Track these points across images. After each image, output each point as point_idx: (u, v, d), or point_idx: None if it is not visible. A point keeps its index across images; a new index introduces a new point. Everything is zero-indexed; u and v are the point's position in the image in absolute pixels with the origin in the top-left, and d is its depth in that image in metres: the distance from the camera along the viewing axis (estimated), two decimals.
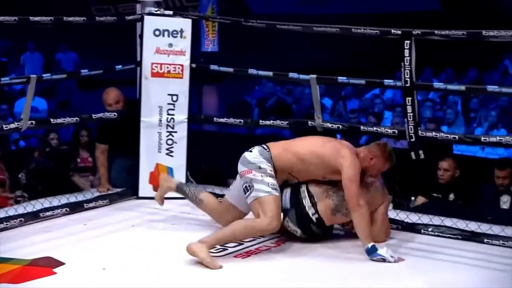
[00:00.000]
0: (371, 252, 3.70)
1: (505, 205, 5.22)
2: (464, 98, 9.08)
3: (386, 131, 4.45)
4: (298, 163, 3.92)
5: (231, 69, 4.95)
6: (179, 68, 4.94)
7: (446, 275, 3.56)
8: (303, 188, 3.95)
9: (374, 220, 3.89)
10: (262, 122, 4.95)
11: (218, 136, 7.45)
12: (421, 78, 9.68)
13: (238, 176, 3.99)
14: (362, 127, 4.64)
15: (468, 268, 3.68)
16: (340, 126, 4.62)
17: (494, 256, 3.81)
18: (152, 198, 4.46)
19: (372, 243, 3.72)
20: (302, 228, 3.95)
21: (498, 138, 4.11)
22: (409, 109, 4.22)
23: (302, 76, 4.59)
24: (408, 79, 4.15)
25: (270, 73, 4.77)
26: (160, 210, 4.51)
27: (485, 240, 4.00)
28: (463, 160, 5.59)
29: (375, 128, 4.58)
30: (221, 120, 5.09)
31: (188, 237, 3.86)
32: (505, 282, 3.46)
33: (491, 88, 4.09)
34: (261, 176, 3.83)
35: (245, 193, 3.86)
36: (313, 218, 3.93)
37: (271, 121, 4.85)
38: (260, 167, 3.86)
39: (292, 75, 4.63)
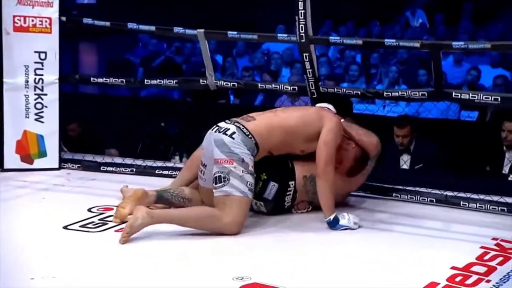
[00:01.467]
0: (334, 225, 3.71)
1: (405, 165, 5.36)
2: (364, 53, 9.24)
3: (286, 88, 4.47)
4: (286, 138, 3.80)
5: (107, 23, 4.78)
6: (46, 21, 4.72)
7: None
8: (291, 188, 3.90)
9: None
10: (147, 82, 4.83)
11: (97, 99, 7.25)
12: (321, 32, 9.80)
13: (205, 160, 3.79)
14: (260, 85, 4.63)
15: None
16: (236, 84, 4.58)
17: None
18: (21, 170, 4.28)
19: (334, 215, 3.72)
20: (270, 213, 3.94)
21: (400, 92, 4.21)
22: (307, 65, 4.26)
23: (189, 31, 4.51)
24: (303, 34, 4.16)
25: (153, 28, 4.65)
26: (30, 183, 4.34)
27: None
28: (362, 120, 5.68)
29: (273, 85, 4.57)
30: (100, 80, 4.93)
31: (61, 210, 3.73)
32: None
33: (389, 41, 4.13)
34: (242, 172, 3.65)
35: (216, 183, 3.65)
36: (286, 206, 3.93)
37: (158, 81, 4.74)
38: (243, 161, 3.67)
39: (178, 29, 4.53)
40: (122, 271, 3.20)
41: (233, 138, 3.70)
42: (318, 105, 4.12)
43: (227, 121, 3.83)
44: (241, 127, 3.75)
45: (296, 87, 4.44)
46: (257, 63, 9.32)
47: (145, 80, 4.86)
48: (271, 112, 3.94)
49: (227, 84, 4.56)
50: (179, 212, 3.70)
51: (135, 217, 3.52)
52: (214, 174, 3.67)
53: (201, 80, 4.58)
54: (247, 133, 3.74)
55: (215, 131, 3.77)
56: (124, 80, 4.84)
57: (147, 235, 3.56)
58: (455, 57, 8.72)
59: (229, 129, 3.74)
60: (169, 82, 4.71)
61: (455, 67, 8.62)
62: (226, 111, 6.68)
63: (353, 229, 3.72)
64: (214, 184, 3.67)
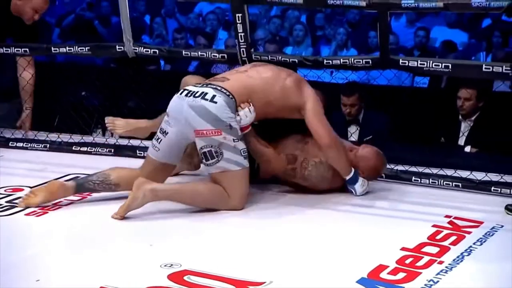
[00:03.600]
0: (354, 181, 3.84)
1: (353, 137, 5.40)
2: (310, 13, 9.23)
3: (214, 55, 4.41)
4: (264, 107, 3.72)
5: None
6: None
7: None
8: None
9: None
10: (55, 50, 4.70)
11: None
12: None
13: (169, 128, 3.68)
14: (184, 52, 4.54)
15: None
16: (157, 51, 4.49)
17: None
18: None
19: (352, 171, 3.82)
20: None
21: (342, 60, 4.17)
22: (239, 28, 4.20)
23: None
24: None
25: None
26: None
27: None
28: None
29: (200, 53, 4.48)
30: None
31: None
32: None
33: (332, 0, 4.08)
34: (233, 140, 3.58)
35: (207, 159, 3.59)
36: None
37: (68, 48, 4.62)
38: (231, 127, 3.58)
39: None
40: (30, 258, 3.16)
41: (216, 102, 3.59)
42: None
43: (198, 84, 3.73)
44: (219, 87, 3.65)
45: (226, 54, 4.39)
46: (190, 25, 9.23)
47: (52, 48, 4.70)
48: (240, 73, 3.82)
49: (147, 51, 4.46)
50: (186, 189, 3.65)
51: (134, 197, 3.48)
52: (201, 149, 3.60)
53: (117, 47, 4.49)
54: (227, 93, 3.64)
55: (188, 96, 3.64)
56: (27, 49, 4.70)
57: (66, 216, 3.51)
58: (408, 17, 8.79)
59: (206, 92, 3.61)
60: (80, 49, 4.59)
61: (408, 28, 8.69)
62: (156, 79, 6.62)
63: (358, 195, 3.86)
64: (204, 161, 3.63)
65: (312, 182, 3.91)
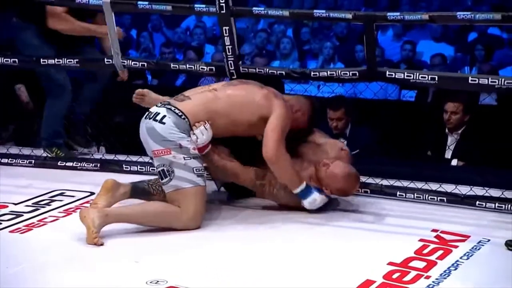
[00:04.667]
0: (306, 193, 3.80)
1: None
2: (296, 27, 9.25)
3: (202, 68, 4.42)
4: (227, 126, 3.75)
5: None
6: None
7: None
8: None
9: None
10: (44, 61, 4.67)
11: None
12: (249, 4, 9.77)
13: (148, 153, 3.74)
14: (172, 65, 4.55)
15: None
16: (145, 64, 4.49)
17: None
18: None
19: (303, 183, 3.79)
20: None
21: (329, 72, 4.19)
22: (227, 40, 4.22)
23: (93, 1, 4.39)
24: (224, 4, 4.12)
25: None
26: None
27: None
28: None
29: (188, 66, 4.49)
30: None
31: None
32: None
33: (318, 12, 4.09)
34: (184, 158, 3.61)
35: (162, 178, 3.63)
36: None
37: (56, 60, 4.61)
38: (181, 146, 3.62)
39: None
40: (13, 276, 3.14)
41: (164, 123, 3.64)
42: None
43: (158, 104, 3.77)
44: (172, 108, 3.69)
45: (214, 67, 4.39)
46: (177, 40, 9.23)
47: (41, 60, 4.68)
48: (208, 91, 3.84)
49: (136, 64, 4.46)
50: (137, 210, 3.63)
51: (90, 218, 3.46)
52: (157, 168, 3.65)
53: (105, 60, 4.48)
54: (179, 113, 3.68)
55: (146, 117, 3.71)
56: (16, 59, 4.70)
57: (50, 232, 3.51)
58: (395, 31, 8.82)
59: (159, 113, 3.68)
60: (69, 61, 4.59)
61: (394, 42, 8.71)
62: None
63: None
64: (160, 180, 3.65)
65: (283, 200, 3.90)
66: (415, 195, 4.08)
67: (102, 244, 3.44)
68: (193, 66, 4.47)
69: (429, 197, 4.05)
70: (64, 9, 4.60)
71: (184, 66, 4.49)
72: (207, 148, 3.77)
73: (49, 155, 4.76)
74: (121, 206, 3.71)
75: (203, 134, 3.69)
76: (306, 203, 3.83)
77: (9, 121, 6.02)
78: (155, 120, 3.66)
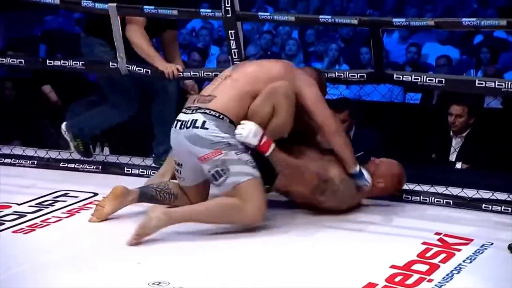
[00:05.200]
0: (359, 176, 3.81)
1: None
2: (301, 29, 9.25)
3: (207, 74, 4.40)
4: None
5: None
6: None
7: None
8: None
9: None
10: (50, 62, 4.70)
11: None
12: (255, 7, 9.79)
13: (180, 159, 3.72)
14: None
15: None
16: (149, 71, 4.44)
17: None
18: None
19: (358, 167, 3.80)
20: None
21: (337, 73, 4.19)
22: (232, 44, 4.21)
23: (99, 5, 4.41)
24: (229, 8, 4.11)
25: (57, 0, 4.51)
26: None
27: None
28: None
29: (192, 73, 4.46)
30: None
31: None
32: None
33: (324, 18, 4.09)
34: (236, 154, 3.57)
35: (216, 180, 3.58)
36: None
37: (62, 62, 4.62)
38: (229, 144, 3.57)
39: (86, 3, 4.43)
40: (15, 276, 3.14)
41: (207, 128, 3.59)
42: None
43: (185, 111, 3.71)
44: (207, 111, 3.64)
45: (219, 73, 4.37)
46: (182, 41, 9.22)
47: (47, 61, 4.71)
48: (224, 80, 3.76)
49: (140, 70, 4.45)
50: (200, 208, 3.61)
51: (149, 217, 3.45)
52: (209, 172, 3.60)
53: (111, 64, 4.48)
54: (217, 114, 3.63)
55: (181, 127, 3.65)
56: (23, 60, 4.71)
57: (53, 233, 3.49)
58: (401, 34, 8.81)
59: (196, 119, 3.62)
60: (74, 63, 4.60)
61: (400, 44, 8.71)
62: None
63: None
64: (214, 182, 3.61)
65: (339, 199, 3.84)
66: (421, 197, 4.07)
67: (136, 244, 3.42)
68: (197, 73, 4.45)
69: (435, 200, 4.05)
70: (144, 22, 4.49)
71: (189, 73, 4.46)
72: (270, 146, 3.69)
73: (69, 142, 4.68)
74: (183, 207, 3.66)
75: (250, 131, 3.62)
76: (361, 183, 3.83)
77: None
78: (195, 127, 3.60)
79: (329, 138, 3.79)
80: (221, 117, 3.63)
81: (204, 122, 3.60)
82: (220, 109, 3.64)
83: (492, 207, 3.92)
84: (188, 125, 3.63)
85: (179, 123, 3.68)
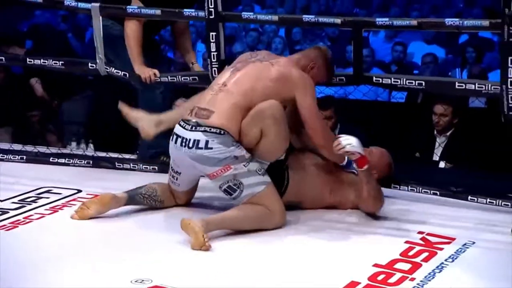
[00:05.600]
0: (348, 166, 3.90)
1: None
2: (288, 27, 9.23)
3: (185, 79, 4.38)
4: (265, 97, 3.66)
5: None
6: None
7: None
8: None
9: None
10: (30, 61, 4.68)
11: None
12: (242, 4, 9.78)
13: (179, 169, 3.74)
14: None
15: None
16: (127, 74, 4.42)
17: None
18: None
19: (345, 160, 3.87)
20: None
21: None
22: (212, 47, 4.18)
23: (82, 5, 4.40)
24: (213, 9, 4.09)
25: None
26: None
27: None
28: None
29: (170, 77, 4.41)
30: None
31: None
32: None
33: (307, 18, 4.08)
34: (244, 166, 3.58)
35: (231, 194, 3.61)
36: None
37: (42, 61, 4.61)
38: (236, 157, 3.58)
39: (69, 2, 4.43)
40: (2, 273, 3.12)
41: (211, 148, 3.57)
42: None
43: (184, 125, 3.64)
44: (208, 129, 3.59)
45: (197, 77, 4.36)
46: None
47: (28, 59, 4.70)
48: (220, 91, 3.69)
49: (118, 72, 4.43)
50: (235, 215, 3.61)
51: (196, 225, 3.40)
52: (220, 187, 3.62)
53: (90, 64, 4.47)
54: (218, 131, 3.59)
55: (182, 145, 3.61)
56: (3, 58, 4.72)
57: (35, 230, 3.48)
58: (387, 33, 8.82)
59: (198, 140, 3.58)
60: (54, 63, 4.59)
61: (386, 43, 8.72)
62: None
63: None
64: (229, 196, 3.63)
65: (372, 197, 3.80)
66: (409, 187, 4.11)
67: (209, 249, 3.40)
68: (175, 78, 4.40)
69: (423, 190, 4.08)
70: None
71: (166, 78, 4.40)
72: (366, 162, 3.72)
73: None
74: (218, 215, 3.65)
75: (349, 140, 3.69)
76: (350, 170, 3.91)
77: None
78: (198, 148, 3.58)
79: (320, 149, 3.83)
80: (222, 132, 3.59)
81: (207, 142, 3.57)
82: (219, 125, 3.60)
83: (477, 199, 3.94)
84: (191, 145, 3.60)
85: (179, 140, 3.64)
